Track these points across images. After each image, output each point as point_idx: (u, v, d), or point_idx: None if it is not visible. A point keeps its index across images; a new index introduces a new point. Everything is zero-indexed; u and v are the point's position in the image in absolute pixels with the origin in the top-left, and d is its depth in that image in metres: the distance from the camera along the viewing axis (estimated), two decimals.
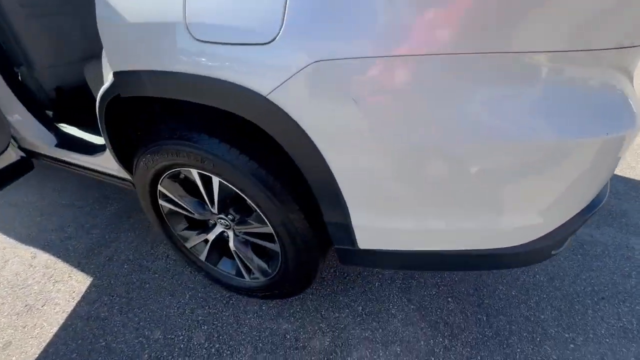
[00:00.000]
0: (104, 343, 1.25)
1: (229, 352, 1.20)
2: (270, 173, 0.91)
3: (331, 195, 0.80)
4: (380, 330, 1.26)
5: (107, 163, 1.41)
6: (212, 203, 1.11)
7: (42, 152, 1.64)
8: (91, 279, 1.50)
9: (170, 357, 1.20)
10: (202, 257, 1.34)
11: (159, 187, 1.17)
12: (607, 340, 1.20)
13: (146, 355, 1.20)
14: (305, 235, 0.98)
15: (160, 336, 1.26)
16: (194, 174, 1.04)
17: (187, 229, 1.33)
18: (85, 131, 1.60)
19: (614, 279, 1.42)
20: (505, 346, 1.19)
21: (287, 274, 1.14)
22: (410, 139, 0.68)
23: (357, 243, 0.90)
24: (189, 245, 1.34)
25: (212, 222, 1.25)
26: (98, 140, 1.51)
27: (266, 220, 1.01)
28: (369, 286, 1.42)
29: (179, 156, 0.98)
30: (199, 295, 1.41)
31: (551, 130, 0.65)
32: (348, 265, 1.02)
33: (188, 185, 1.18)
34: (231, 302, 1.38)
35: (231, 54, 0.72)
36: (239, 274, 1.30)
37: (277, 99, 0.71)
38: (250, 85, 0.72)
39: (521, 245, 0.81)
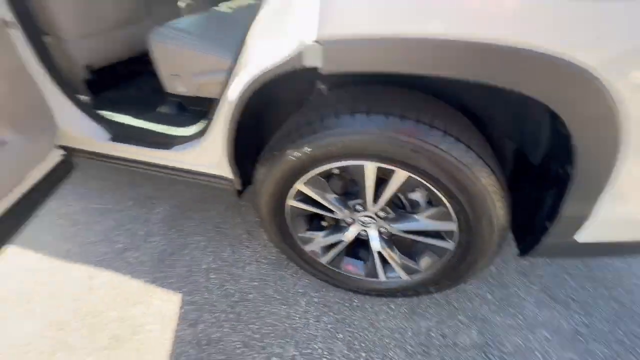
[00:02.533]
0: None
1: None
2: (489, 161, 0.79)
3: (596, 177, 0.70)
4: (520, 315, 1.23)
5: (193, 158, 1.17)
6: (376, 200, 0.96)
7: (90, 149, 1.32)
8: (179, 296, 1.28)
9: None
10: (324, 260, 1.19)
11: (299, 186, 0.99)
12: None
13: None
14: (500, 230, 0.88)
15: (295, 352, 1.12)
16: (369, 169, 0.88)
17: (309, 230, 1.16)
18: (140, 118, 1.29)
19: None
20: (637, 317, 1.23)
21: (446, 273, 1.04)
22: None
23: (575, 236, 0.82)
24: (308, 248, 1.18)
25: (349, 221, 1.09)
26: (173, 130, 1.23)
27: (453, 214, 0.89)
28: (487, 272, 1.38)
29: (372, 148, 0.81)
30: (315, 300, 1.27)
31: None
32: (532, 257, 0.95)
33: (334, 182, 1.02)
34: (354, 304, 1.26)
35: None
36: (370, 274, 1.18)
37: None
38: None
39: None
